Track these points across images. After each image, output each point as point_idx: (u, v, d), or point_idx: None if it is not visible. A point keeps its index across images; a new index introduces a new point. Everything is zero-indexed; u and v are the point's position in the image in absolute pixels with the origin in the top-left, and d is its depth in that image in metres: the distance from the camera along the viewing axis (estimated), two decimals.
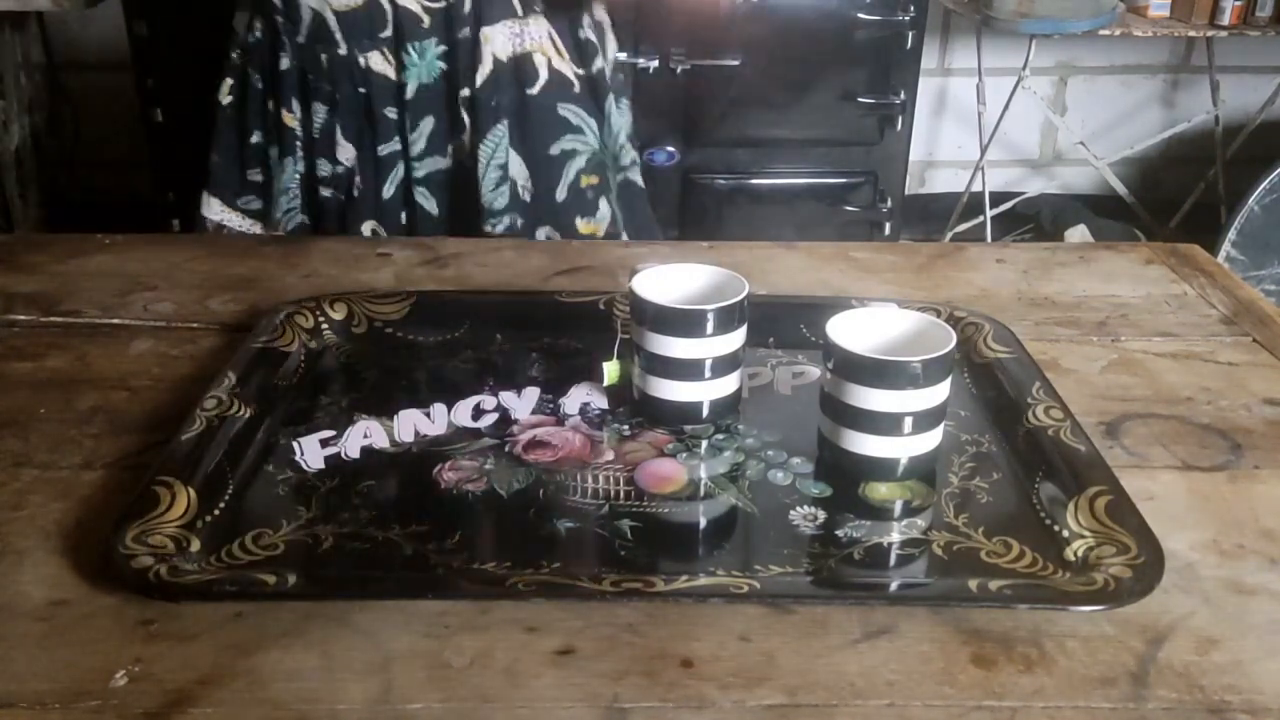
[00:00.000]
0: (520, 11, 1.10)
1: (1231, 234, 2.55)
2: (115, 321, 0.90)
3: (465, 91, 1.10)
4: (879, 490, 0.69)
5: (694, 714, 0.52)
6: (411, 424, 0.75)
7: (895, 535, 0.66)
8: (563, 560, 0.62)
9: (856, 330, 0.71)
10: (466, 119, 1.10)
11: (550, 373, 0.82)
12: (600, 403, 0.78)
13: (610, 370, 0.79)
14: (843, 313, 0.73)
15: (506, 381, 0.80)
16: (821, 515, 0.66)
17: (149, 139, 2.75)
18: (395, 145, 1.11)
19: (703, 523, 0.67)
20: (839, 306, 0.78)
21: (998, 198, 2.94)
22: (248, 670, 0.54)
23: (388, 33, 1.07)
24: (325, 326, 0.87)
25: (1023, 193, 3.12)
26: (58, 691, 0.53)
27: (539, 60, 1.11)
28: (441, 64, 1.09)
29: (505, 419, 0.76)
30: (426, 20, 1.07)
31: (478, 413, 0.76)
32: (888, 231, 2.64)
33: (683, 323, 0.73)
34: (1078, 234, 2.93)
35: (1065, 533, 0.64)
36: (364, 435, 0.73)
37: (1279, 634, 0.58)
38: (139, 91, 2.69)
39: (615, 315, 0.87)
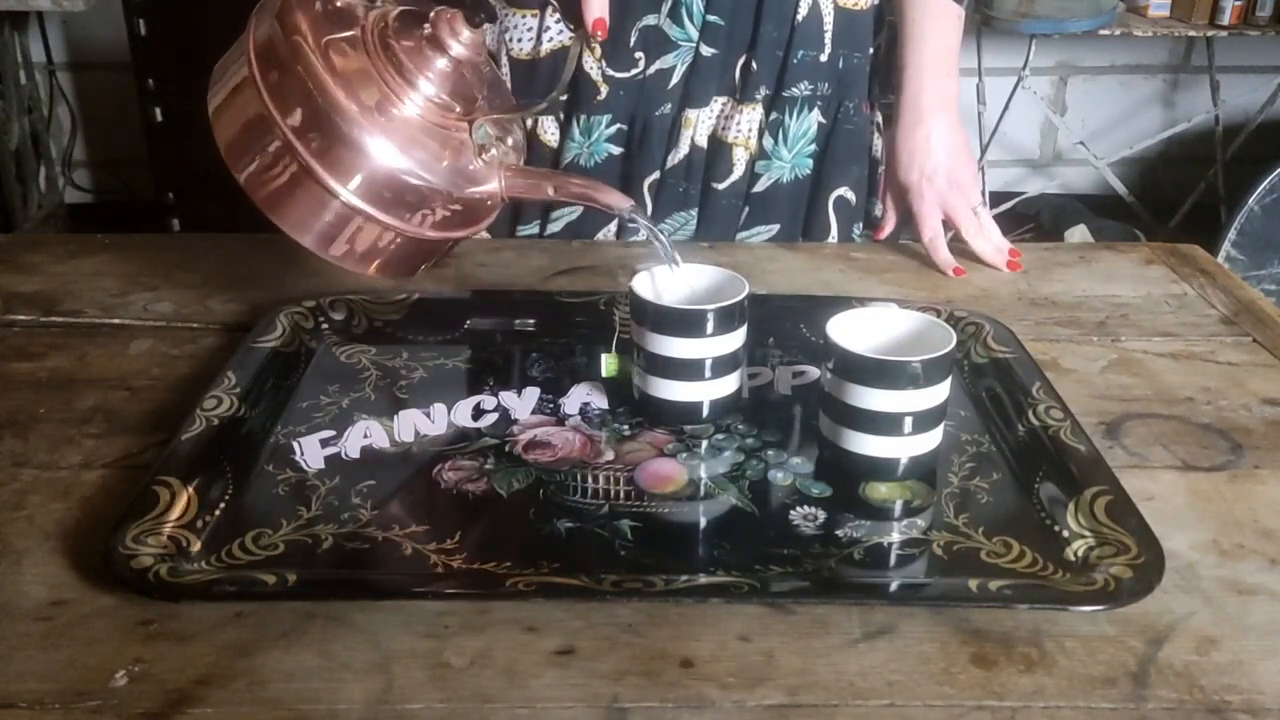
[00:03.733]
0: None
1: (1231, 234, 2.54)
2: (115, 321, 0.90)
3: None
4: (879, 490, 0.69)
5: (694, 714, 0.52)
6: (411, 424, 0.75)
7: (895, 535, 0.66)
8: (563, 560, 0.62)
9: (856, 330, 0.71)
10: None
11: (550, 373, 0.82)
12: (600, 403, 0.78)
13: (609, 362, 0.79)
14: (843, 313, 0.73)
15: (506, 381, 0.80)
16: (821, 515, 0.66)
17: (149, 139, 2.75)
18: (533, 228, 1.08)
19: (703, 523, 0.67)
20: (839, 306, 0.78)
21: (998, 198, 2.94)
22: (248, 670, 0.54)
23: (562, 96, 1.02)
24: (325, 326, 0.87)
25: (1023, 193, 3.12)
26: (58, 691, 0.53)
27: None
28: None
29: (505, 419, 0.76)
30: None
31: (478, 413, 0.76)
32: None
33: (683, 323, 0.73)
34: (1078, 234, 2.93)
35: (1065, 533, 0.64)
36: (364, 435, 0.73)
37: (1279, 634, 0.58)
38: (139, 91, 2.69)
39: (615, 315, 0.87)
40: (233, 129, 0.73)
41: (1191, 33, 2.81)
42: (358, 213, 0.72)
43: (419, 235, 0.74)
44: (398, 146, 0.71)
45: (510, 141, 0.79)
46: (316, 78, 0.69)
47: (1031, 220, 3.09)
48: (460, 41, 0.73)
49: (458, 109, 0.74)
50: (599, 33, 0.76)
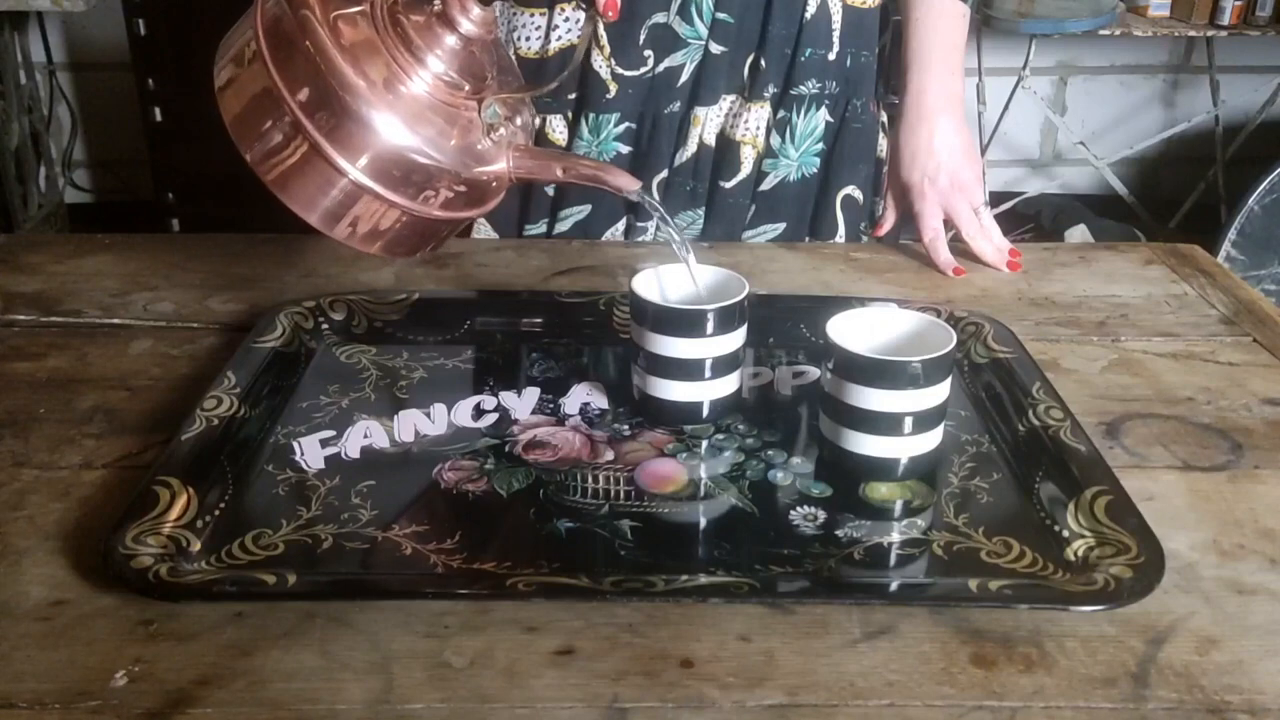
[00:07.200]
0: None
1: (1231, 234, 2.55)
2: (115, 321, 0.90)
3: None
4: (879, 490, 0.69)
5: (694, 714, 0.52)
6: (411, 424, 0.75)
7: (895, 535, 0.66)
8: (563, 560, 0.62)
9: (856, 330, 0.71)
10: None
11: (550, 373, 0.82)
12: (600, 403, 0.78)
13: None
14: (843, 313, 0.73)
15: (506, 381, 0.80)
16: (821, 515, 0.66)
17: (149, 139, 2.75)
18: (541, 228, 1.08)
19: (703, 523, 0.67)
20: (839, 306, 0.78)
21: (998, 198, 2.95)
22: (248, 670, 0.54)
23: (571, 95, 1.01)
24: (325, 326, 0.87)
25: (1023, 193, 3.12)
26: (58, 691, 0.53)
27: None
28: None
29: (505, 419, 0.76)
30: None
31: (478, 413, 0.76)
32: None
33: (683, 323, 0.73)
34: (1078, 234, 2.93)
35: (1065, 533, 0.64)
36: (364, 435, 0.73)
37: (1279, 634, 0.58)
38: (139, 91, 2.69)
39: (615, 315, 0.87)
40: (239, 105, 0.72)
41: (1191, 33, 2.81)
42: (365, 190, 0.71)
43: (426, 214, 0.73)
44: (406, 124, 0.70)
45: (519, 121, 0.78)
46: (324, 53, 0.68)
47: (1031, 220, 3.09)
48: (470, 19, 0.72)
49: (467, 87, 0.73)
50: (610, 13, 0.76)
